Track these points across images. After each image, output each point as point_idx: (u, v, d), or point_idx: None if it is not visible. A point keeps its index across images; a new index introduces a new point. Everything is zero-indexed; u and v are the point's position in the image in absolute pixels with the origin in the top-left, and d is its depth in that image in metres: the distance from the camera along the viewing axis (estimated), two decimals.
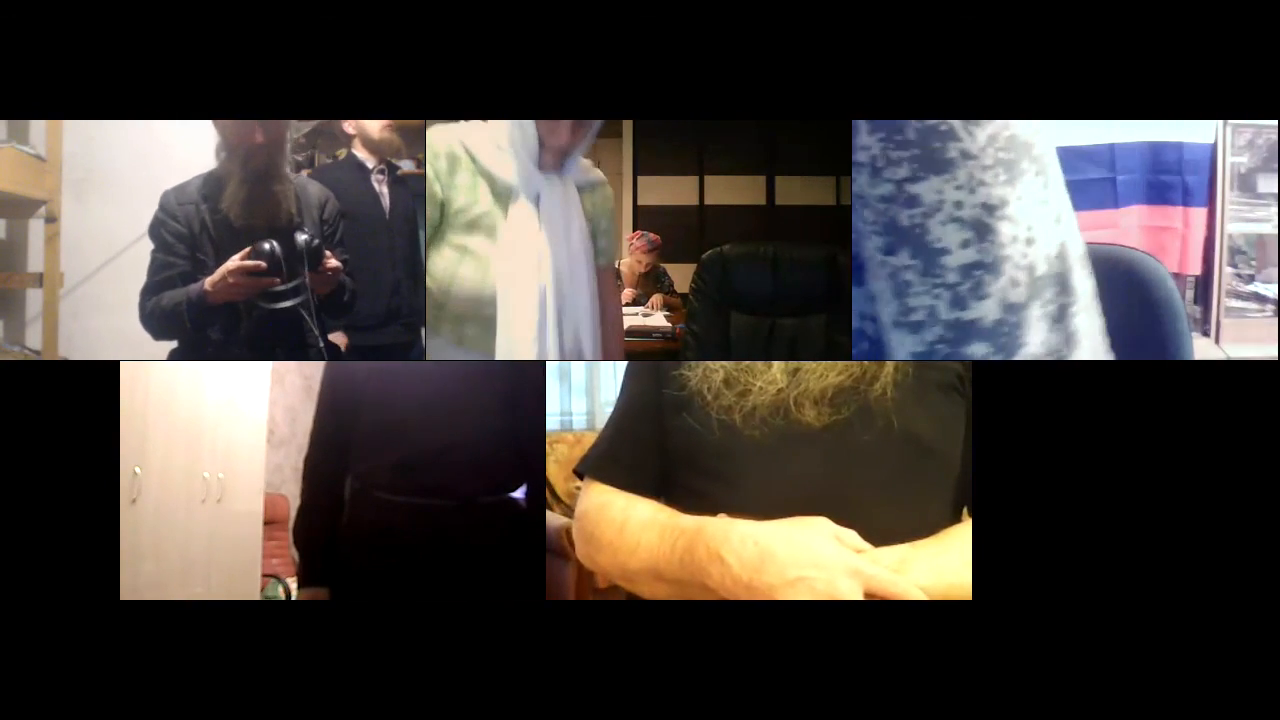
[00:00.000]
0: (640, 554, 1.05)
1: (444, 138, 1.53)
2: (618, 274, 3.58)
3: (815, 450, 1.03)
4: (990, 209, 0.82)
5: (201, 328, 1.63)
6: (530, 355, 1.51)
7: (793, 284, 2.44)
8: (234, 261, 1.58)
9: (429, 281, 1.53)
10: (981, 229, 0.82)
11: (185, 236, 1.64)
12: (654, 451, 1.13)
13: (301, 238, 1.61)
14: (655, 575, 1.04)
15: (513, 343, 1.51)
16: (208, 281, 1.59)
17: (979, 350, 0.85)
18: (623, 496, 1.12)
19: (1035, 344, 0.86)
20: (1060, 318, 0.87)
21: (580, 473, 1.19)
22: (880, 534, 0.99)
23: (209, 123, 1.66)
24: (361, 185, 2.39)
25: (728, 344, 2.44)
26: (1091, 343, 0.89)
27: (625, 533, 1.07)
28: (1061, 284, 0.86)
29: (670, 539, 1.02)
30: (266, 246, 1.58)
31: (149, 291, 1.64)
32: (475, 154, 1.53)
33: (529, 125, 1.52)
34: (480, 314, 1.51)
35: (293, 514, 3.33)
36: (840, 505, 1.00)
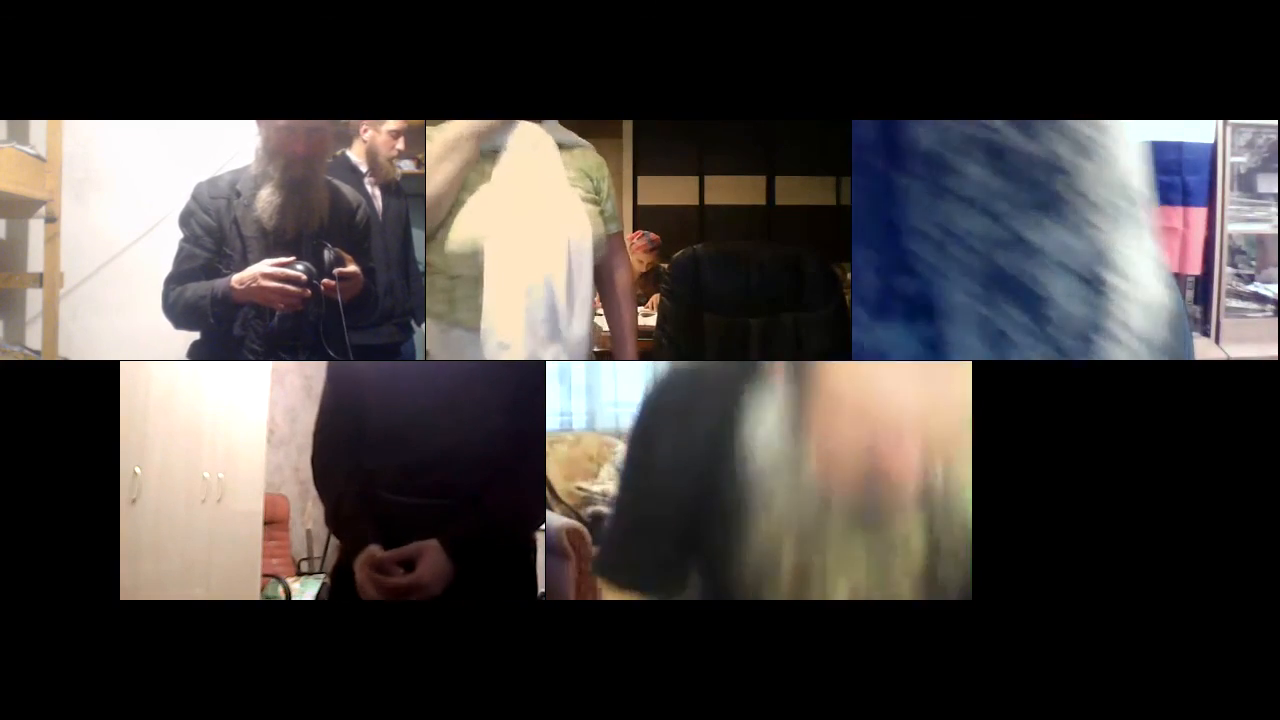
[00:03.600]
0: None
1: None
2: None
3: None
4: (1099, 255, 0.78)
5: (223, 322, 1.63)
6: (520, 292, 1.55)
7: (762, 284, 2.50)
8: (270, 267, 1.58)
9: (449, 245, 1.57)
10: (1090, 277, 0.79)
11: (214, 230, 1.65)
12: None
13: (328, 255, 1.63)
14: None
15: (501, 282, 1.54)
16: (235, 279, 1.59)
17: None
18: None
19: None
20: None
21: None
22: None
23: (252, 122, 1.67)
24: (354, 186, 2.39)
25: (702, 346, 2.47)
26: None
27: None
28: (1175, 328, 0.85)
29: None
30: (301, 267, 1.59)
31: (173, 280, 1.65)
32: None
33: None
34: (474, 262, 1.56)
35: (293, 514, 3.35)
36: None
